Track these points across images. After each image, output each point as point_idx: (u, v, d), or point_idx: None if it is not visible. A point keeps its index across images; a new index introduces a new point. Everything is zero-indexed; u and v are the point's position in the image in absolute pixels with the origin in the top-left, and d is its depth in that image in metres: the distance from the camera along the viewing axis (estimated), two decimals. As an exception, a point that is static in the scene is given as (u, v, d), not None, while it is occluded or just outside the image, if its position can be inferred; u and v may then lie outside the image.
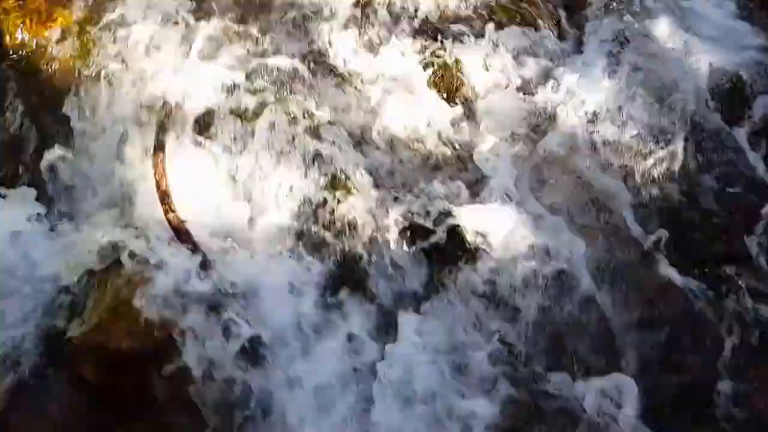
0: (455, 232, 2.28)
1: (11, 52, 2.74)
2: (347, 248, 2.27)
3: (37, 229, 2.34)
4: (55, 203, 2.49)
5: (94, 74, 2.65)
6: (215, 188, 2.42)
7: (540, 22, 2.93)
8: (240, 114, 2.50)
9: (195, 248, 2.19)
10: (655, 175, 2.54)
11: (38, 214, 2.38)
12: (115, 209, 2.43)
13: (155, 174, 2.37)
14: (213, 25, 2.80)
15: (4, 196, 2.41)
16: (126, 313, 2.00)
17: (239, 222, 2.36)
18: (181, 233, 2.25)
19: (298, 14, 2.90)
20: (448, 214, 2.32)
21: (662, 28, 2.97)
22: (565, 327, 2.14)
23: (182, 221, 2.28)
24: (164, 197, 2.33)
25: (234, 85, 2.55)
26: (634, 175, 2.55)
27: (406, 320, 2.12)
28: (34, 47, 2.74)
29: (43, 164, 2.49)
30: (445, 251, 2.27)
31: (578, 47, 2.94)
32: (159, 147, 2.42)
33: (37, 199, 2.46)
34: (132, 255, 2.12)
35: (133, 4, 2.79)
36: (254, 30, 2.80)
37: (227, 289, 2.09)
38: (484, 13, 2.91)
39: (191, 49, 2.71)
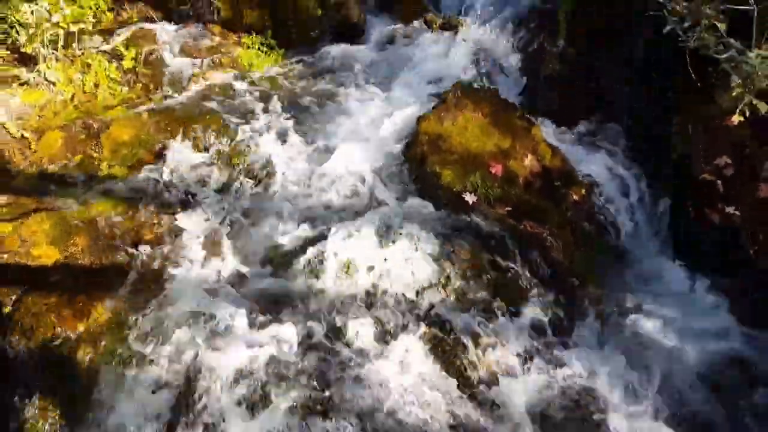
0: None
1: (43, 345, 2.88)
2: None
3: None
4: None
5: (117, 366, 2.79)
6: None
7: (536, 305, 3.15)
8: (250, 409, 2.57)
9: None
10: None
11: None
12: None
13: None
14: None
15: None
16: None
17: None
18: None
19: (313, 301, 3.12)
20: None
21: (653, 312, 3.19)
22: None
23: None
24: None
25: (246, 377, 2.67)
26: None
27: None
28: (65, 340, 2.90)
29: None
30: None
31: (572, 331, 3.13)
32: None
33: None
34: None
35: (164, 302, 3.03)
36: (271, 317, 3.00)
37: None
38: (486, 297, 3.12)
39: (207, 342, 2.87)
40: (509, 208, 3.58)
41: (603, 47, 4.70)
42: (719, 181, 3.30)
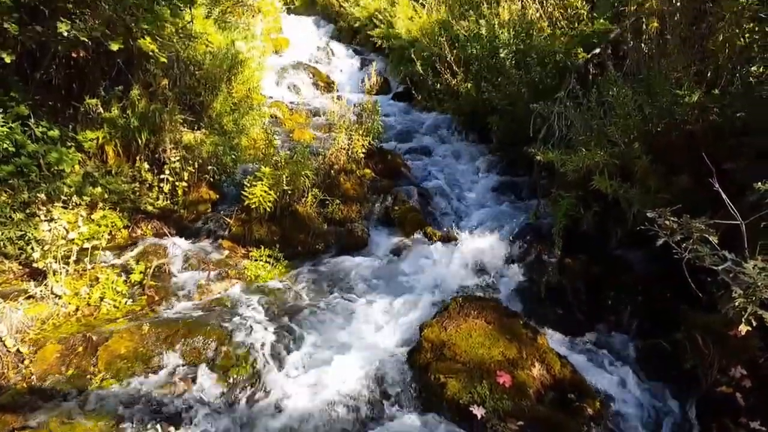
0: None
1: None
2: None
3: None
4: None
5: None
6: None
7: None
8: None
9: None
10: None
11: None
12: None
13: None
14: None
15: None
16: None
17: None
18: None
19: None
20: None
21: None
22: None
23: None
24: None
25: None
26: None
27: None
28: None
29: None
30: None
31: None
32: None
33: None
34: None
35: None
36: None
37: None
38: None
39: None
40: (521, 423, 3.37)
41: (600, 258, 4.88)
42: (738, 394, 3.17)
